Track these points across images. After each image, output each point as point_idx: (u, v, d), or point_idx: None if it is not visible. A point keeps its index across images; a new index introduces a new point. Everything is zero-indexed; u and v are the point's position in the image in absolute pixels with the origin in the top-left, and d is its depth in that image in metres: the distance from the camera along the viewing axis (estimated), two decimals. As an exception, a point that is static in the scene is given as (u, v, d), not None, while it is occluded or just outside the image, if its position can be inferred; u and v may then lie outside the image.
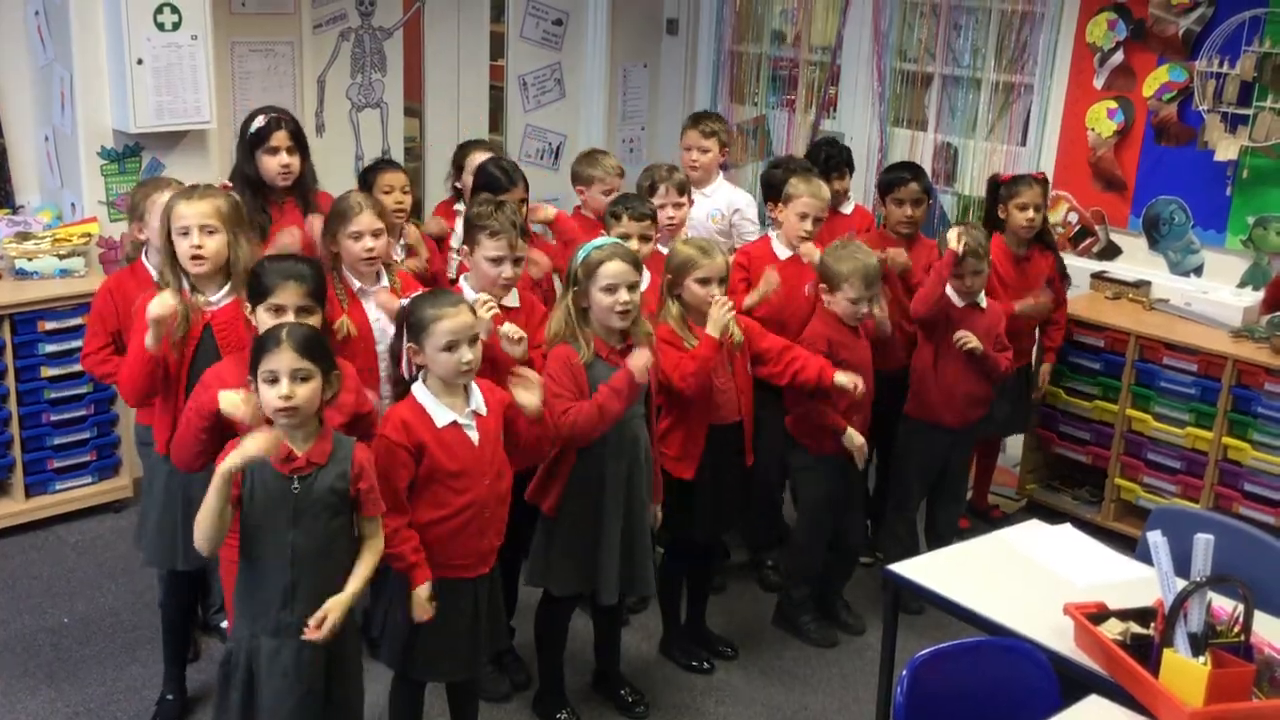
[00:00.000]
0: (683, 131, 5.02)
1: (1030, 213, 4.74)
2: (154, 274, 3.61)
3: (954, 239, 4.21)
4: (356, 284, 3.73)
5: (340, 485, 2.86)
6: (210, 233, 3.35)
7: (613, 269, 3.44)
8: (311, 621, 2.82)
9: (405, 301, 3.29)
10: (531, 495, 3.59)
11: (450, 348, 3.07)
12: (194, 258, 3.33)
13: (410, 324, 3.14)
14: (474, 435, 3.15)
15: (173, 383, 3.36)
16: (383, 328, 3.70)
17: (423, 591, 3.09)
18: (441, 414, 3.12)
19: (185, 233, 3.33)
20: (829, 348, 4.02)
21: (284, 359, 2.79)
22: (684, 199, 4.48)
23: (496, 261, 3.59)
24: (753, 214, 5.01)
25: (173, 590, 3.70)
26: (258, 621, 2.88)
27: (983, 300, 4.39)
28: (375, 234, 3.70)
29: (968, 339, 4.26)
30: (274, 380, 2.79)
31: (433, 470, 3.11)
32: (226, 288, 3.40)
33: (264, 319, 3.13)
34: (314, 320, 3.20)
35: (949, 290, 4.34)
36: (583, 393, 3.44)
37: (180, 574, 3.64)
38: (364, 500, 2.91)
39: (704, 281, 3.73)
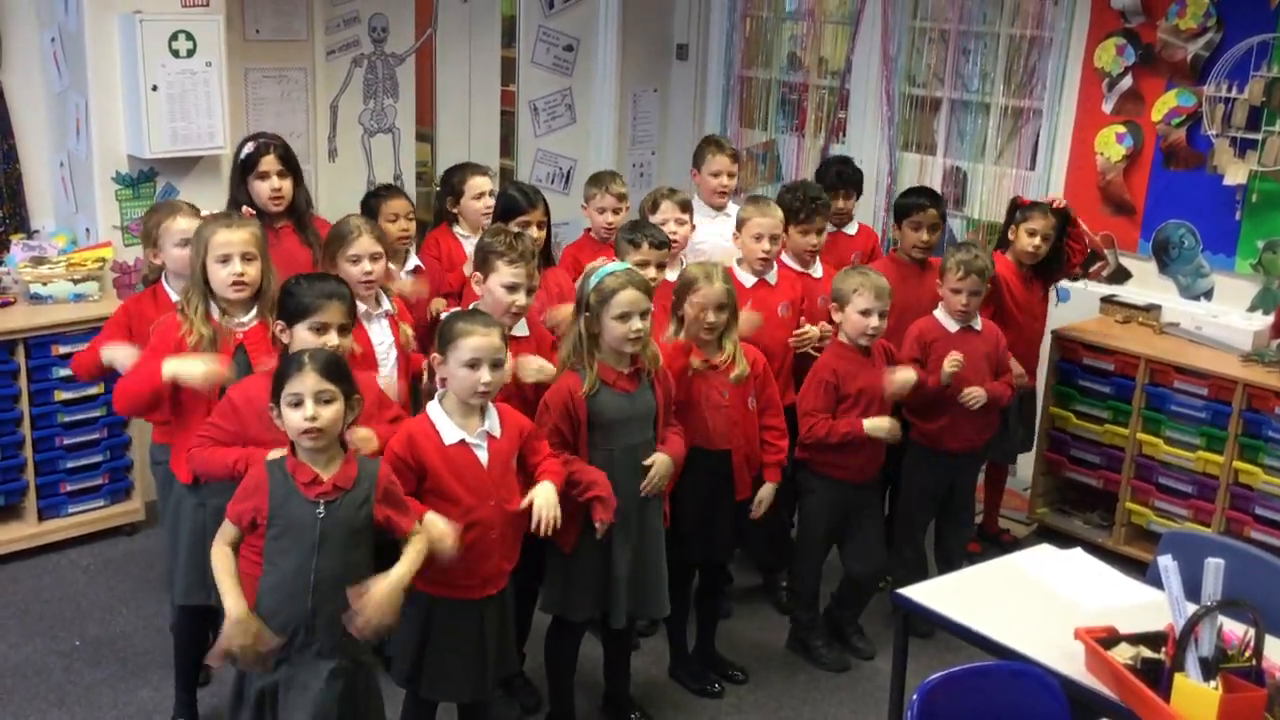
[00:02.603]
0: (707, 156, 4.93)
1: (1037, 240, 4.73)
2: (174, 297, 3.64)
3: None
4: (361, 307, 3.73)
5: (365, 509, 2.87)
6: (250, 259, 3.43)
7: (627, 298, 3.45)
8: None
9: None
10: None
11: (472, 365, 3.10)
12: (235, 284, 3.39)
13: (440, 334, 3.19)
14: (483, 455, 3.17)
15: (202, 406, 3.36)
16: (385, 351, 3.73)
17: (429, 515, 3.02)
18: (451, 432, 3.15)
19: (226, 260, 3.38)
20: (836, 379, 4.04)
21: (307, 381, 2.82)
22: (686, 216, 4.50)
23: (511, 289, 3.59)
24: None
25: (188, 619, 3.65)
26: None
27: (977, 323, 4.40)
28: (374, 258, 3.74)
29: (976, 398, 4.29)
30: (298, 403, 2.82)
31: (435, 488, 3.12)
32: (254, 310, 3.47)
33: (305, 338, 3.15)
34: (349, 340, 3.25)
35: (942, 315, 4.35)
36: (575, 427, 3.45)
37: (203, 605, 3.58)
38: (396, 521, 2.92)
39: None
